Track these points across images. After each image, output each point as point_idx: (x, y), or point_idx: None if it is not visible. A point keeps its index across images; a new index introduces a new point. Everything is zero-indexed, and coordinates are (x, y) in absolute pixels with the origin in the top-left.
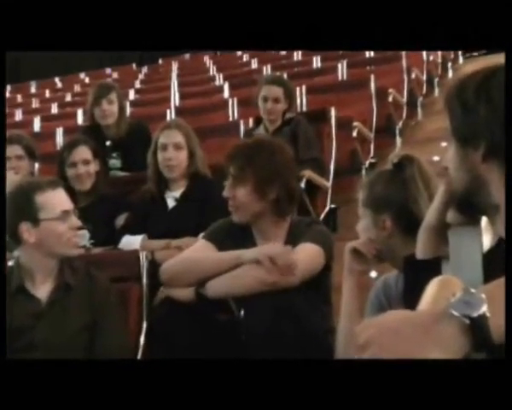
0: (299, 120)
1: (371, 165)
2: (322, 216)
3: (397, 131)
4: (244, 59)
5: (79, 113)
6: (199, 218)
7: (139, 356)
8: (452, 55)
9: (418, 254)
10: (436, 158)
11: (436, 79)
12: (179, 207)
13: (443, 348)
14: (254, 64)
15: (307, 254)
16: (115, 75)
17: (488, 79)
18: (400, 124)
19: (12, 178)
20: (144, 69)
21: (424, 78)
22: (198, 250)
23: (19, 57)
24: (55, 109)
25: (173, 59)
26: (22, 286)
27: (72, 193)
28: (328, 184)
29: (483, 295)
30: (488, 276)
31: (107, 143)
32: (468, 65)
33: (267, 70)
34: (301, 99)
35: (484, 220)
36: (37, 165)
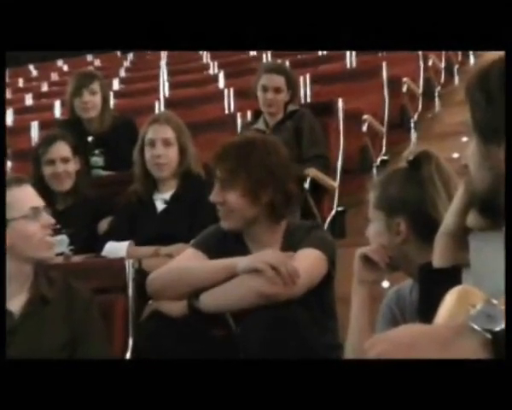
0: (303, 112)
1: (383, 163)
2: (329, 219)
3: (412, 125)
4: None
5: (57, 105)
6: (191, 222)
7: None
8: None
9: (435, 263)
10: (456, 155)
11: (456, 67)
12: (169, 210)
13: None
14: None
15: (309, 261)
16: (97, 63)
17: None
18: (415, 117)
19: None
20: (130, 56)
21: (442, 65)
22: (186, 259)
23: None
24: (29, 101)
25: None
26: None
27: (49, 194)
28: (335, 184)
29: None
30: None
31: (89, 138)
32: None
33: (267, 57)
34: (305, 89)
35: None
36: (9, 163)
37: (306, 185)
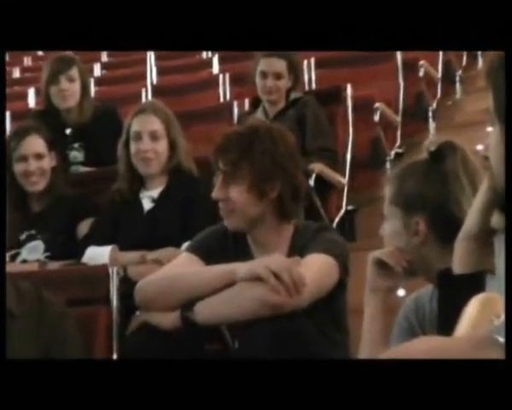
0: (307, 100)
1: (397, 156)
2: (337, 220)
3: (430, 114)
4: None
5: (31, 93)
6: (183, 223)
7: None
8: None
9: (456, 268)
10: (480, 147)
11: None
12: (158, 210)
13: None
14: None
15: (317, 268)
16: None
17: None
18: (434, 104)
19: None
20: None
21: None
22: (180, 265)
23: None
24: None
25: None
26: None
27: (21, 195)
28: (344, 180)
29: None
30: None
31: (67, 131)
32: None
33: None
34: (309, 75)
35: None
36: None
37: (311, 182)
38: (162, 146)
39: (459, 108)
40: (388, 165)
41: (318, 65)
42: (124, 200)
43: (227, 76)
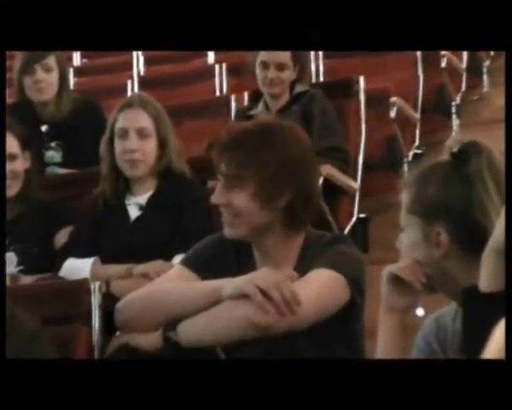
0: (314, 94)
1: (416, 157)
2: (348, 229)
3: (453, 109)
4: None
5: None
6: (173, 233)
7: None
8: None
9: (482, 286)
10: None
11: None
12: (145, 219)
13: None
14: None
15: (319, 285)
16: None
17: None
18: (458, 98)
19: None
20: None
21: None
22: (170, 281)
23: None
24: None
25: None
26: None
27: None
28: (356, 184)
29: None
30: None
31: (43, 127)
32: None
33: None
34: (317, 65)
35: None
36: None
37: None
38: (151, 145)
39: (486, 102)
40: (406, 167)
41: (327, 54)
42: (107, 206)
43: (223, 66)
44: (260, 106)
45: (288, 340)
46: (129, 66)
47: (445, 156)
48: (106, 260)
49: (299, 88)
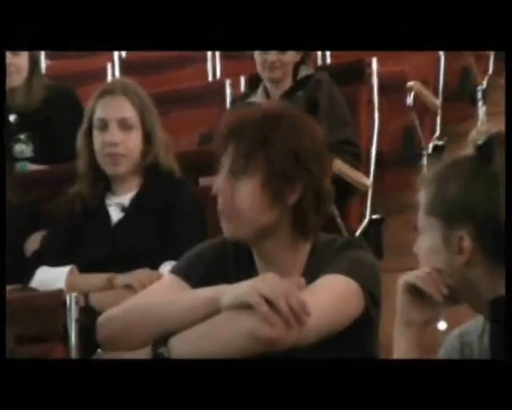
0: (321, 79)
1: (437, 149)
2: (359, 232)
3: (478, 95)
4: None
5: None
6: (161, 237)
7: None
8: None
9: None
10: None
11: None
12: (129, 222)
13: None
14: None
15: (331, 293)
16: None
17: None
18: (484, 83)
19: None
20: None
21: None
22: (160, 292)
23: None
24: None
25: None
26: None
27: None
28: (368, 181)
29: None
30: None
31: (11, 117)
32: None
33: None
34: None
35: None
36: None
37: None
38: (135, 138)
39: None
40: (424, 162)
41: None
42: (85, 208)
43: None
44: (259, 92)
45: (293, 356)
46: None
47: (469, 150)
48: (84, 268)
49: (303, 72)
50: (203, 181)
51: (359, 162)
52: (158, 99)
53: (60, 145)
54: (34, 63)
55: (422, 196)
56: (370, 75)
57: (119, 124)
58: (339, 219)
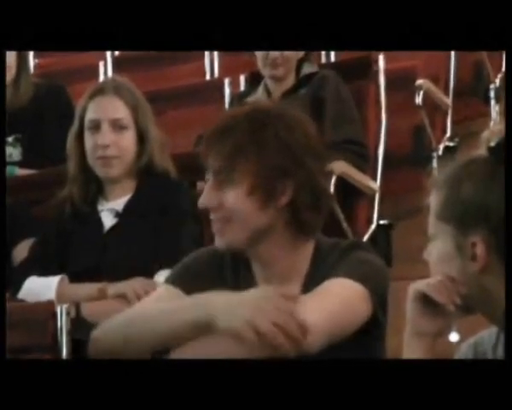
0: (326, 76)
1: (448, 150)
2: (366, 238)
3: (491, 93)
4: None
5: None
6: (155, 245)
7: None
8: None
9: None
10: None
11: None
12: (122, 228)
13: None
14: None
15: (335, 299)
16: None
17: None
18: (498, 80)
19: None
20: None
21: None
22: (155, 304)
23: None
24: None
25: None
26: None
27: None
28: (376, 184)
29: None
30: None
31: None
32: None
33: None
34: None
35: None
36: None
37: (331, 186)
38: (128, 139)
39: None
40: (435, 164)
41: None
42: (76, 213)
43: None
44: (260, 90)
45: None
46: None
47: (481, 151)
48: (74, 278)
49: (307, 68)
50: (201, 185)
51: (366, 163)
52: (154, 97)
53: (49, 148)
54: (22, 60)
55: (433, 200)
56: (378, 72)
57: (111, 124)
58: (345, 224)
